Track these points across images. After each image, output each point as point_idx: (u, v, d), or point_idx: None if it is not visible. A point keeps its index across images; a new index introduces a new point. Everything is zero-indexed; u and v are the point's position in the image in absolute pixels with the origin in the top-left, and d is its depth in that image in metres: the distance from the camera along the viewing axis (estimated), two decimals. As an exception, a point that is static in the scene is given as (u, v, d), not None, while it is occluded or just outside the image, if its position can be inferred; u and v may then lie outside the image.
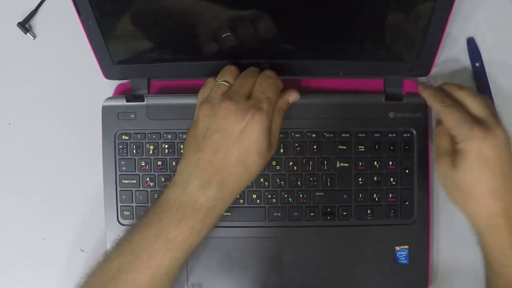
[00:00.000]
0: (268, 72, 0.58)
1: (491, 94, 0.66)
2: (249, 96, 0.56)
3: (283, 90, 0.59)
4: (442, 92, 0.59)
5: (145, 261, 0.54)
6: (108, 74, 0.63)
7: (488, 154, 0.54)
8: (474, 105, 0.57)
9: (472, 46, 0.66)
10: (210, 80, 0.59)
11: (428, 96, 0.60)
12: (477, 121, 0.55)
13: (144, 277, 0.54)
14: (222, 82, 0.57)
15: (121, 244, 0.56)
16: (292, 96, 0.60)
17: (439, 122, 0.60)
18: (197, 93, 0.60)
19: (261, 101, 0.55)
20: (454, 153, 0.56)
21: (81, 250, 0.67)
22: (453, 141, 0.57)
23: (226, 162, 0.55)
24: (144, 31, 0.60)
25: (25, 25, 0.67)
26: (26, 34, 0.67)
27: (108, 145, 0.64)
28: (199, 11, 0.58)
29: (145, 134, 0.63)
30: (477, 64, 0.66)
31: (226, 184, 0.55)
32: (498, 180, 0.54)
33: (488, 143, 0.54)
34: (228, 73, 0.58)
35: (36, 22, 0.68)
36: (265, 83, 0.57)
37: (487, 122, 0.55)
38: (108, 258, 0.55)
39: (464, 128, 0.55)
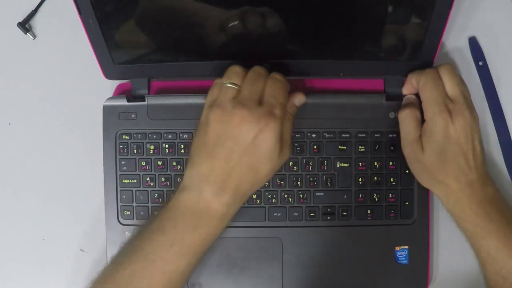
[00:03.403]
0: (276, 76, 0.57)
1: (496, 93, 0.66)
2: (259, 100, 0.55)
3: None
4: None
5: (160, 267, 0.54)
6: (108, 74, 0.63)
7: (453, 134, 0.57)
8: (449, 83, 0.59)
9: (474, 45, 0.66)
10: (218, 81, 0.58)
11: (411, 74, 0.62)
12: (449, 101, 0.58)
13: (159, 283, 0.54)
14: (230, 85, 0.56)
15: (132, 250, 0.55)
16: (298, 99, 0.60)
17: (406, 106, 0.61)
18: (198, 94, 0.60)
19: (273, 107, 0.55)
20: (420, 137, 0.59)
21: (81, 250, 0.67)
22: (420, 126, 0.59)
23: (239, 169, 0.54)
24: (145, 31, 0.60)
25: (25, 25, 0.67)
26: (26, 34, 0.67)
27: (108, 145, 0.64)
28: (199, 11, 0.58)
29: (146, 134, 0.63)
30: (480, 63, 0.66)
31: (238, 189, 0.55)
32: (461, 159, 0.57)
33: (454, 125, 0.57)
34: (235, 75, 0.57)
35: (36, 22, 0.68)
36: (275, 87, 0.56)
37: (457, 103, 0.57)
38: (119, 264, 0.55)
39: (435, 107, 0.57)
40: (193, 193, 0.55)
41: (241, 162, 0.54)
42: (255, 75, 0.57)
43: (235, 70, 0.57)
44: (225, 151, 0.54)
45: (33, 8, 0.68)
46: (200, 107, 0.63)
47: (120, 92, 0.65)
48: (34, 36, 0.68)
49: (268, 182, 0.63)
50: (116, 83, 0.66)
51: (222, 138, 0.54)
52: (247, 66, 0.59)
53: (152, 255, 0.54)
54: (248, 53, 0.61)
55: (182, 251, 0.54)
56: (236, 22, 0.59)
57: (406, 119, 0.60)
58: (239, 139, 0.54)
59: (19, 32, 0.67)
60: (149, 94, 0.64)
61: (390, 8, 0.58)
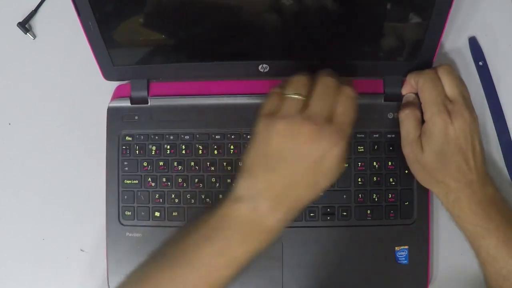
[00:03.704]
0: (349, 91, 0.53)
1: (496, 93, 0.66)
2: (329, 116, 0.52)
3: None
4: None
5: (204, 275, 0.52)
6: (107, 76, 0.63)
7: (452, 134, 0.57)
8: (448, 84, 0.59)
9: (474, 45, 0.67)
10: (276, 91, 0.54)
11: (410, 74, 0.62)
12: (448, 102, 0.58)
13: None
14: (296, 97, 0.53)
15: (174, 254, 0.53)
16: None
17: (406, 106, 0.61)
18: (199, 95, 0.59)
19: (345, 126, 0.52)
20: (420, 137, 0.59)
21: (81, 250, 0.67)
22: (420, 126, 0.59)
23: (299, 187, 0.52)
24: (144, 32, 0.60)
25: (25, 25, 0.67)
26: (26, 34, 0.67)
27: (112, 146, 0.64)
28: (199, 12, 0.58)
29: (148, 135, 0.64)
30: (480, 63, 0.66)
31: (294, 206, 0.53)
32: (461, 159, 0.57)
33: (453, 126, 0.57)
34: (301, 85, 0.53)
35: (36, 22, 0.68)
36: (347, 105, 0.53)
37: (457, 103, 0.57)
38: (159, 266, 0.53)
39: (434, 107, 0.57)
40: (247, 206, 0.52)
41: (302, 179, 0.52)
42: (326, 88, 0.53)
43: (301, 80, 0.54)
44: (287, 167, 0.52)
45: (33, 8, 0.68)
46: (201, 108, 0.63)
47: (119, 93, 0.65)
48: (34, 36, 0.68)
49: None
50: (115, 83, 0.66)
51: (286, 153, 0.51)
52: (246, 65, 0.59)
53: (197, 263, 0.52)
54: (247, 53, 0.61)
55: (229, 263, 0.52)
56: (236, 23, 0.59)
57: (406, 119, 0.60)
58: (305, 157, 0.51)
59: (19, 32, 0.67)
60: (148, 95, 0.65)
61: (389, 8, 0.58)
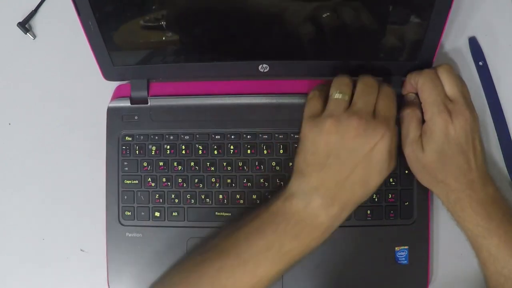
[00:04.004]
0: (388, 88, 0.57)
1: (496, 93, 0.66)
2: (373, 113, 0.55)
3: None
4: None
5: (251, 269, 0.53)
6: (107, 75, 0.63)
7: (453, 134, 0.57)
8: (448, 83, 0.58)
9: (474, 45, 0.66)
10: (316, 93, 0.58)
11: (410, 74, 0.61)
12: (448, 102, 0.57)
13: (246, 285, 0.53)
14: (341, 96, 0.55)
15: (223, 246, 0.55)
16: None
17: (406, 106, 0.61)
18: (199, 95, 0.60)
19: (388, 119, 0.55)
20: (421, 137, 0.59)
21: (81, 250, 0.67)
22: (420, 125, 0.59)
23: (351, 182, 0.54)
24: (144, 32, 0.60)
25: (25, 25, 0.67)
26: (26, 34, 0.67)
27: (111, 146, 0.64)
28: (199, 12, 0.58)
29: (148, 135, 0.64)
30: (480, 63, 0.66)
31: (347, 203, 0.55)
32: (461, 159, 0.57)
33: (453, 125, 0.56)
34: (345, 86, 0.56)
35: (36, 22, 0.68)
36: (388, 100, 0.56)
37: (457, 103, 0.57)
38: (206, 257, 0.55)
39: (435, 107, 0.57)
40: (300, 202, 0.54)
41: (354, 174, 0.54)
42: (367, 87, 0.56)
43: (344, 81, 0.57)
44: (338, 163, 0.54)
45: (33, 8, 0.68)
46: (201, 108, 0.63)
47: (119, 93, 0.65)
48: (34, 36, 0.68)
49: (268, 182, 0.63)
50: (115, 83, 0.66)
51: (336, 150, 0.54)
52: (246, 66, 0.59)
53: (245, 255, 0.53)
54: (247, 54, 0.61)
55: (278, 258, 0.53)
56: (236, 22, 0.59)
57: (407, 119, 0.60)
58: (355, 151, 0.53)
59: (19, 32, 0.67)
60: (148, 95, 0.65)
61: (389, 8, 0.58)
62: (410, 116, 0.60)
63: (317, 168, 0.54)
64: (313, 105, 0.57)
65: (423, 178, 0.60)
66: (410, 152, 0.60)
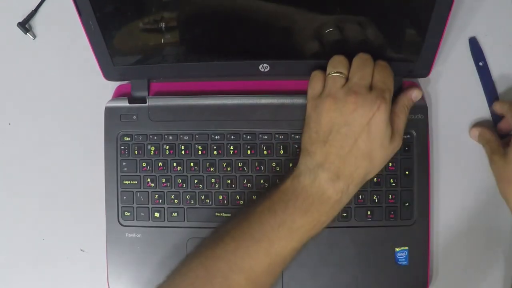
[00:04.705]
0: (383, 63, 0.58)
1: (496, 93, 0.66)
2: (369, 87, 0.57)
3: None
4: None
5: (265, 247, 0.54)
6: (108, 75, 0.63)
7: None
8: None
9: (474, 45, 0.66)
10: (317, 74, 0.60)
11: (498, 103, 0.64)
12: None
13: (262, 264, 0.54)
14: (337, 74, 0.57)
15: (236, 228, 0.56)
16: (415, 94, 0.61)
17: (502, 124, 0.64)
18: (198, 95, 0.60)
19: (383, 92, 0.56)
20: (504, 148, 0.61)
21: (81, 250, 0.67)
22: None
23: (354, 156, 0.55)
24: (145, 32, 0.60)
25: (25, 25, 0.67)
26: (26, 34, 0.67)
27: (110, 146, 0.64)
28: (199, 12, 0.58)
29: (147, 135, 0.64)
30: (480, 64, 0.66)
31: (352, 177, 0.56)
32: None
33: None
34: (340, 64, 0.58)
35: (36, 22, 0.68)
36: (384, 73, 0.57)
37: None
38: (220, 240, 0.56)
39: None
40: (307, 178, 0.56)
41: (356, 148, 0.55)
42: (362, 61, 0.58)
43: (339, 59, 0.58)
44: (340, 138, 0.55)
45: (33, 8, 0.68)
46: (201, 108, 0.63)
47: (120, 93, 0.65)
48: (34, 36, 0.68)
49: (268, 183, 0.63)
50: (116, 83, 0.66)
51: (337, 125, 0.56)
52: (247, 65, 0.59)
53: (258, 234, 0.55)
54: (247, 53, 0.61)
55: (290, 234, 0.55)
56: (236, 22, 0.59)
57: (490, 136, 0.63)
58: (354, 125, 0.55)
59: (19, 32, 0.67)
60: (148, 95, 0.65)
61: (389, 9, 0.58)
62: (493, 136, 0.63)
63: (321, 145, 0.56)
64: (314, 85, 0.59)
65: (503, 188, 0.62)
66: (494, 164, 0.62)
